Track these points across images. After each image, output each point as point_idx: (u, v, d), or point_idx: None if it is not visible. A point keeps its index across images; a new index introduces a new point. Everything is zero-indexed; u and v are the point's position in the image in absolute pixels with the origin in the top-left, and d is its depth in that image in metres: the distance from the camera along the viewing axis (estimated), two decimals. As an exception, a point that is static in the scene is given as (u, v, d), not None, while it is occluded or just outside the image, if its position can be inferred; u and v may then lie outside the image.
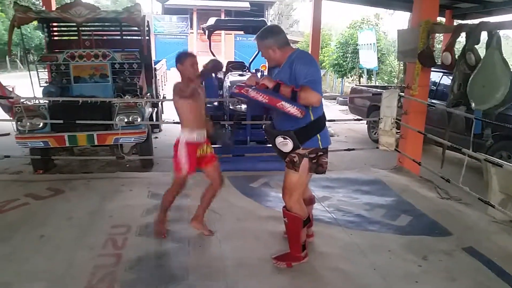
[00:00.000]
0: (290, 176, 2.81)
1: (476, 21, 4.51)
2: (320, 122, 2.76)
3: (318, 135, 2.74)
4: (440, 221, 3.74)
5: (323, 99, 2.67)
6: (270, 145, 2.97)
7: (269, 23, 7.57)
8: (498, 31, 3.99)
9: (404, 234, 3.51)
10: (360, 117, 8.30)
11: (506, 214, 3.59)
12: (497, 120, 4.20)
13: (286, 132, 2.69)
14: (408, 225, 3.71)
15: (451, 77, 4.70)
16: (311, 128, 2.71)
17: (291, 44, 2.83)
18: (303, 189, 2.93)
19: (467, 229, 3.59)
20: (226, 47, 24.34)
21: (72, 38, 7.01)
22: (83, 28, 6.69)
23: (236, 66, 7.41)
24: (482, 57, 4.03)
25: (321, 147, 2.77)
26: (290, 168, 2.77)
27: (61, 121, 4.98)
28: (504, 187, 3.80)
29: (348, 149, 5.72)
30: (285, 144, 2.69)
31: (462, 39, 4.96)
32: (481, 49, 4.17)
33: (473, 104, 4.06)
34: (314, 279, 2.82)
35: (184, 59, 3.05)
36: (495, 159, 3.92)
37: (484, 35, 4.10)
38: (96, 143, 5.22)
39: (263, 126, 3.07)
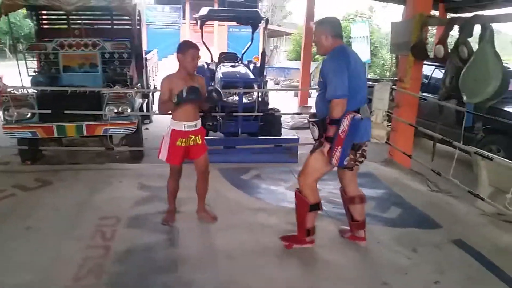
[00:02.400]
0: (308, 159, 2.92)
1: (469, 15, 4.48)
2: None
3: None
4: (430, 213, 3.75)
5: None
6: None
7: (262, 14, 7.50)
8: (491, 24, 3.98)
9: (394, 226, 3.52)
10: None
11: (495, 207, 3.61)
12: (488, 114, 4.21)
13: (315, 120, 2.85)
14: (398, 217, 3.72)
15: (443, 71, 4.69)
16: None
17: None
18: (319, 177, 2.93)
19: (457, 222, 3.60)
20: (219, 38, 24.12)
21: (61, 26, 6.88)
22: (72, 17, 6.57)
23: (229, 57, 7.34)
24: (474, 51, 4.03)
25: None
26: (311, 151, 2.90)
27: (49, 111, 4.90)
28: (493, 181, 3.81)
29: (340, 142, 5.69)
30: (314, 131, 2.87)
31: (455, 33, 4.95)
32: (473, 42, 4.16)
33: (464, 97, 4.05)
34: (304, 271, 2.83)
35: (186, 50, 3.00)
36: (485, 152, 3.93)
37: (477, 29, 4.09)
38: (85, 133, 5.16)
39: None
